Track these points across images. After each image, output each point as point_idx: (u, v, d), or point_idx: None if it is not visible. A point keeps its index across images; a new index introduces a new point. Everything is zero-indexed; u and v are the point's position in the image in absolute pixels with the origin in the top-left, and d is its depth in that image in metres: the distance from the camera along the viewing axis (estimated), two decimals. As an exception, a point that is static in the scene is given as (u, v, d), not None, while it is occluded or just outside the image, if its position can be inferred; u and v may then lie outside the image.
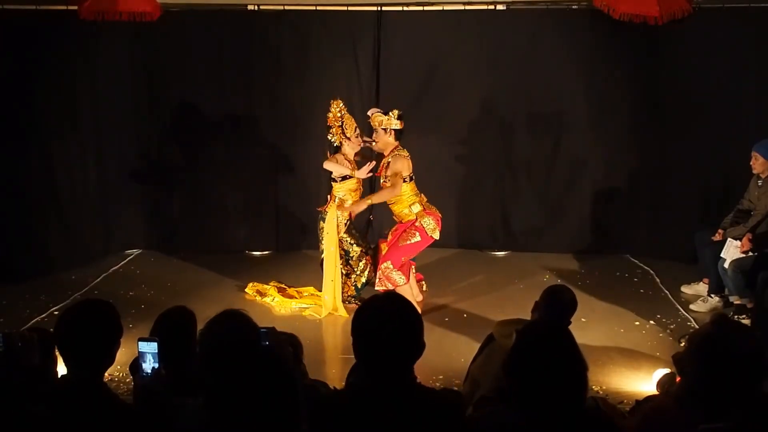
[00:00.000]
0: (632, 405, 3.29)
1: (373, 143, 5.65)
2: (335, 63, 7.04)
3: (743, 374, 2.01)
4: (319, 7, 6.86)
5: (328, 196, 5.73)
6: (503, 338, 3.29)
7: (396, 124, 5.49)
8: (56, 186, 6.67)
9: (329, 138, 5.63)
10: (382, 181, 5.67)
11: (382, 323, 2.08)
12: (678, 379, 3.22)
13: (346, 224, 5.68)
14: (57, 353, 2.73)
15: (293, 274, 6.47)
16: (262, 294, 5.95)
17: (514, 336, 2.24)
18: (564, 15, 6.83)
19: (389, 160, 5.52)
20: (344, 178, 5.61)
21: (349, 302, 5.74)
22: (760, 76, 6.25)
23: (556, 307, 3.54)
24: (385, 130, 5.51)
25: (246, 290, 6.00)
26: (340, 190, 5.64)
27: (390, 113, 5.50)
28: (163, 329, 2.96)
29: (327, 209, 5.62)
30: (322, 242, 5.61)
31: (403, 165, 5.44)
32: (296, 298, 5.88)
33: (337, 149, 5.64)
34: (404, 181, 5.45)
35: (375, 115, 5.55)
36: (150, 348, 2.54)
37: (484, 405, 2.69)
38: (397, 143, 5.54)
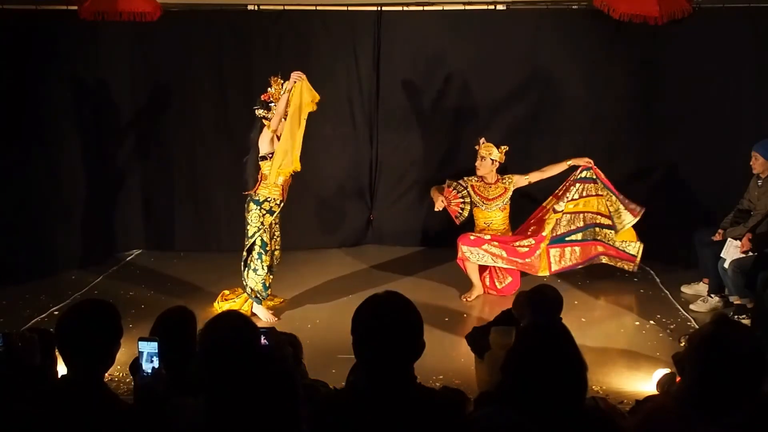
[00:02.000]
0: (632, 405, 3.29)
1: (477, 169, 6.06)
2: (335, 63, 7.04)
3: (743, 374, 2.00)
4: (319, 7, 6.86)
5: (258, 176, 5.41)
6: (499, 349, 3.29)
7: (502, 159, 6.01)
8: (56, 186, 6.66)
9: (260, 113, 5.40)
10: (501, 204, 6.06)
11: (382, 323, 2.08)
12: (678, 379, 3.23)
13: (279, 205, 5.46)
14: (57, 353, 2.73)
15: (292, 274, 6.48)
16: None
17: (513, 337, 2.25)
18: (564, 15, 6.83)
19: (506, 186, 6.06)
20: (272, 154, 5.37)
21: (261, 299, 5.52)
22: (760, 76, 6.25)
23: (544, 307, 3.50)
24: (492, 161, 5.98)
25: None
26: (268, 167, 5.37)
27: (501, 148, 5.99)
28: (163, 329, 2.97)
29: (258, 190, 5.39)
30: (250, 225, 5.40)
31: None
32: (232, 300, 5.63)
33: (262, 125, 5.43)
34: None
35: (486, 145, 6.01)
36: (150, 348, 2.54)
37: (485, 401, 2.69)
38: (497, 174, 6.08)
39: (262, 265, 5.47)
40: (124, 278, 6.54)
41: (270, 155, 5.36)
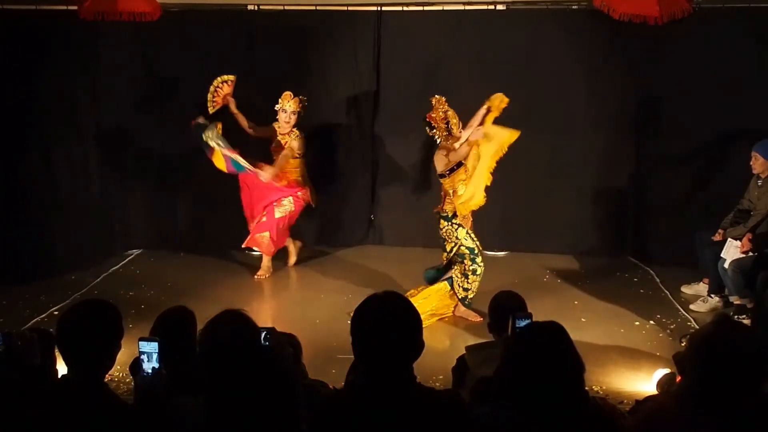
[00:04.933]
0: (632, 405, 3.29)
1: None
2: (335, 63, 7.04)
3: (743, 374, 2.01)
4: (319, 7, 6.86)
5: (442, 194, 5.58)
6: (476, 368, 3.27)
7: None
8: (57, 186, 6.67)
9: (433, 135, 5.53)
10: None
11: (380, 322, 2.08)
12: (678, 379, 3.23)
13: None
14: (57, 353, 2.73)
15: (293, 274, 6.47)
16: None
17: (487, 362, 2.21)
18: (564, 15, 6.83)
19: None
20: (451, 170, 5.44)
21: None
22: (760, 76, 6.25)
23: (501, 312, 3.43)
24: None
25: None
26: (451, 184, 5.47)
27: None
28: (163, 329, 2.96)
29: (445, 207, 5.52)
30: (448, 241, 5.53)
31: None
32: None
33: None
34: None
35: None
36: (150, 348, 2.55)
37: (482, 388, 2.70)
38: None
39: (480, 266, 5.54)
40: (124, 278, 6.54)
41: (448, 172, 5.40)
